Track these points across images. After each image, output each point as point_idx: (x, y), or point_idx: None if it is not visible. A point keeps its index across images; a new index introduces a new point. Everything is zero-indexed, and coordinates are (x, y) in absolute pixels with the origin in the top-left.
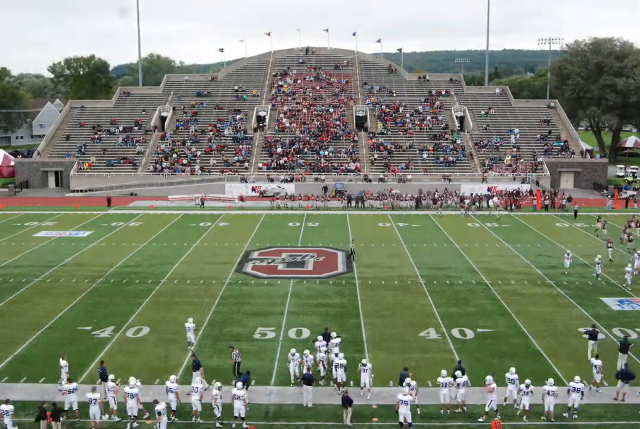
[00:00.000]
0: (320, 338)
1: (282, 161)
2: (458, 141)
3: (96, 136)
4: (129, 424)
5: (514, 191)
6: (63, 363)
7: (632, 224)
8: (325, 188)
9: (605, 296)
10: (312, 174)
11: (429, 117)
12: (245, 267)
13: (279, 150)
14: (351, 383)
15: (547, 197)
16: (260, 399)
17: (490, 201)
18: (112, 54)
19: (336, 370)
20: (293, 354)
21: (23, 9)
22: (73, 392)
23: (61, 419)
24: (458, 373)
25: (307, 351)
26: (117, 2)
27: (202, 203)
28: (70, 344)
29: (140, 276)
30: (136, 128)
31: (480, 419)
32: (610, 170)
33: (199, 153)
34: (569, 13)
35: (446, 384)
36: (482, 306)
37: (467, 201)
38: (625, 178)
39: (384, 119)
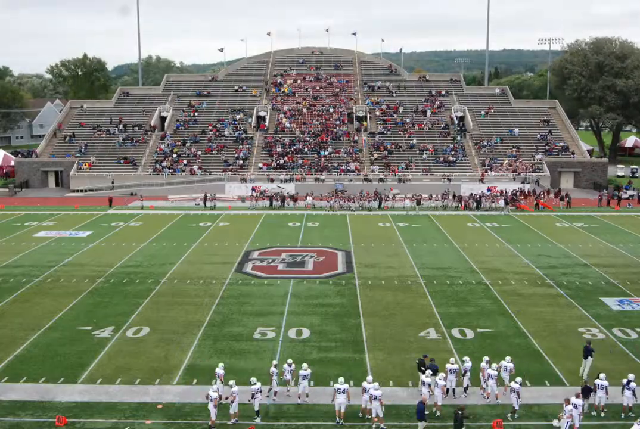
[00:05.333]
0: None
1: (282, 161)
2: (458, 140)
3: (96, 136)
4: None
5: (514, 191)
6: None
7: None
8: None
9: (605, 296)
10: (312, 174)
11: (429, 117)
12: (245, 267)
13: (279, 150)
14: (351, 382)
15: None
16: (260, 400)
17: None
18: (112, 55)
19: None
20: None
21: (23, 8)
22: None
23: None
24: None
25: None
26: (118, 2)
27: (205, 203)
28: (70, 344)
29: (140, 276)
30: (136, 128)
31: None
32: (610, 170)
33: (199, 153)
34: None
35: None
36: (482, 306)
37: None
38: (629, 177)
39: (384, 119)
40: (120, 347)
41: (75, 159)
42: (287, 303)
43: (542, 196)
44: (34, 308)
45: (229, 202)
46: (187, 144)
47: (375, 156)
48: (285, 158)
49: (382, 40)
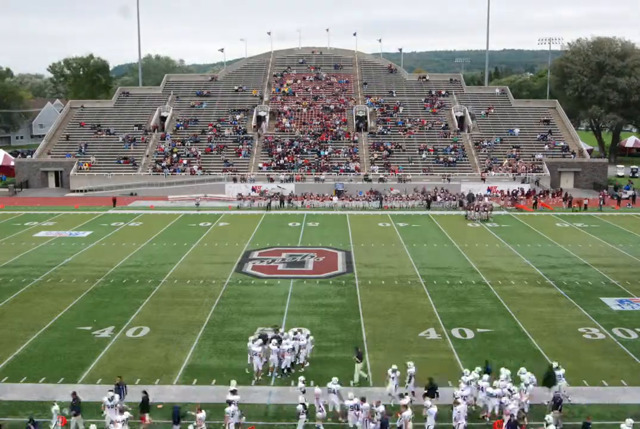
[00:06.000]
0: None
1: (282, 161)
2: (458, 140)
3: (96, 136)
4: None
5: (514, 191)
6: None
7: None
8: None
9: (605, 296)
10: (312, 174)
11: (429, 117)
12: (245, 267)
13: (279, 150)
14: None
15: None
16: (261, 399)
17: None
18: (112, 54)
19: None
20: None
21: (24, 8)
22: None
23: None
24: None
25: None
26: (118, 2)
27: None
28: (70, 344)
29: (140, 276)
30: (136, 128)
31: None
32: (610, 170)
33: (199, 153)
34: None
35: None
36: (482, 306)
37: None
38: (629, 177)
39: (384, 119)
40: (120, 347)
41: (75, 159)
42: (287, 303)
43: (542, 195)
44: (34, 308)
45: (229, 202)
46: (187, 144)
47: (375, 156)
48: (285, 158)
49: (379, 41)
